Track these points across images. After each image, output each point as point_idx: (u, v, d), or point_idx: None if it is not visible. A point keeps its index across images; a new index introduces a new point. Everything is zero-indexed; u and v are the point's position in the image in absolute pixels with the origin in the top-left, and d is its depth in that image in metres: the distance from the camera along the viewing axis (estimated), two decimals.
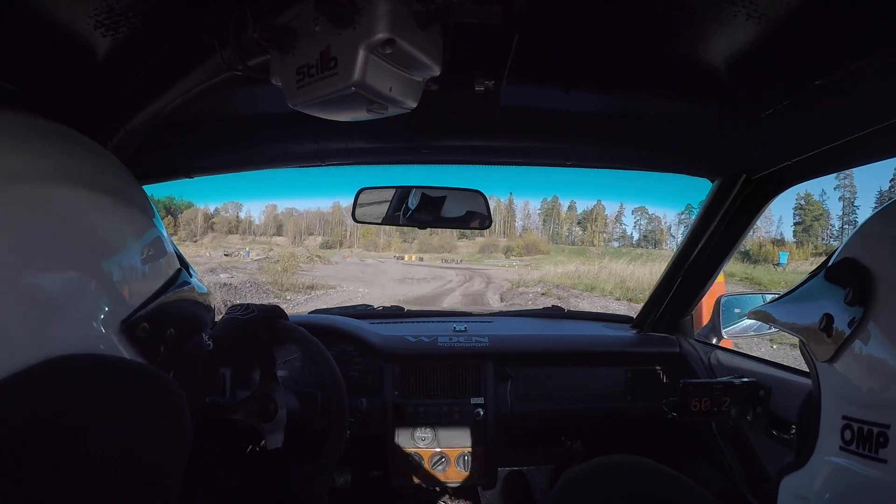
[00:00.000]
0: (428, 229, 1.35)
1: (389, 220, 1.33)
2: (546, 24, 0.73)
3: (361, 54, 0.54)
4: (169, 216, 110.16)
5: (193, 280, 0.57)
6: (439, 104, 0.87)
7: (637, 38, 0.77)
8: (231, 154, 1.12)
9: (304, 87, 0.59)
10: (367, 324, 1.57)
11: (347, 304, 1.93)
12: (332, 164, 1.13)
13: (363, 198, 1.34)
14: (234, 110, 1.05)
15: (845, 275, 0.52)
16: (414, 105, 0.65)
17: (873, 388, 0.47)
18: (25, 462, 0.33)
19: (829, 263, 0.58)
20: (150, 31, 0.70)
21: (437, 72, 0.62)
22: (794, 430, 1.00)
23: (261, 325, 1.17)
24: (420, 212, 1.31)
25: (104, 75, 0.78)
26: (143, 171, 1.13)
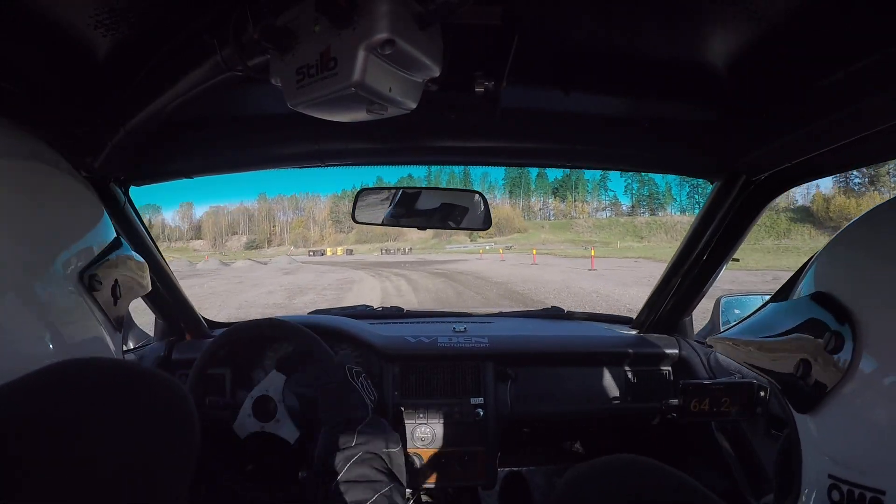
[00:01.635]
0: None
1: (389, 220, 1.33)
2: (546, 26, 0.73)
3: (361, 55, 0.54)
4: None
5: (132, 252, 0.71)
6: (439, 105, 0.87)
7: (637, 39, 0.77)
8: (231, 154, 1.12)
9: (304, 88, 0.59)
10: (366, 324, 1.57)
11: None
12: (331, 165, 1.13)
13: (363, 198, 1.34)
14: (233, 110, 1.05)
15: (822, 314, 0.45)
16: (414, 106, 0.65)
17: (863, 448, 0.42)
18: (36, 464, 0.33)
19: (798, 294, 0.51)
20: (150, 31, 0.70)
21: (436, 72, 0.62)
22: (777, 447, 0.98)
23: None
24: (419, 212, 1.31)
25: (104, 75, 0.78)
26: (143, 171, 1.13)
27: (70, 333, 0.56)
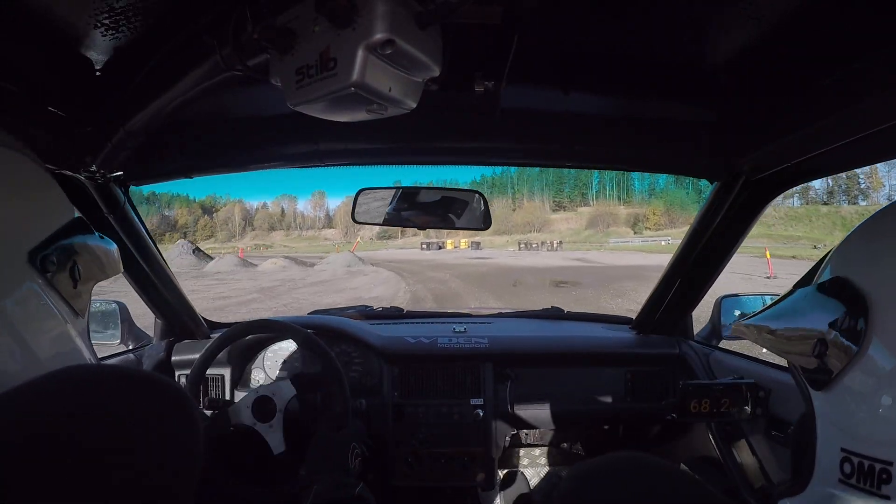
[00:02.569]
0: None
1: (389, 220, 1.33)
2: (546, 26, 0.73)
3: (361, 54, 0.54)
4: (205, 216, 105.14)
5: (99, 237, 0.69)
6: (439, 105, 0.87)
7: (637, 40, 0.77)
8: (231, 154, 1.12)
9: (304, 88, 0.59)
10: (366, 324, 1.57)
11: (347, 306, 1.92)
12: (331, 165, 1.13)
13: (363, 198, 1.34)
14: (233, 110, 1.05)
15: (838, 298, 0.49)
16: (413, 105, 0.65)
17: (872, 423, 0.45)
18: (38, 472, 0.32)
19: (819, 279, 0.54)
20: (150, 31, 0.70)
21: (436, 72, 0.62)
22: (791, 429, 0.99)
23: None
24: (419, 212, 1.31)
25: (104, 75, 0.78)
26: (143, 171, 1.13)
27: (22, 319, 0.54)
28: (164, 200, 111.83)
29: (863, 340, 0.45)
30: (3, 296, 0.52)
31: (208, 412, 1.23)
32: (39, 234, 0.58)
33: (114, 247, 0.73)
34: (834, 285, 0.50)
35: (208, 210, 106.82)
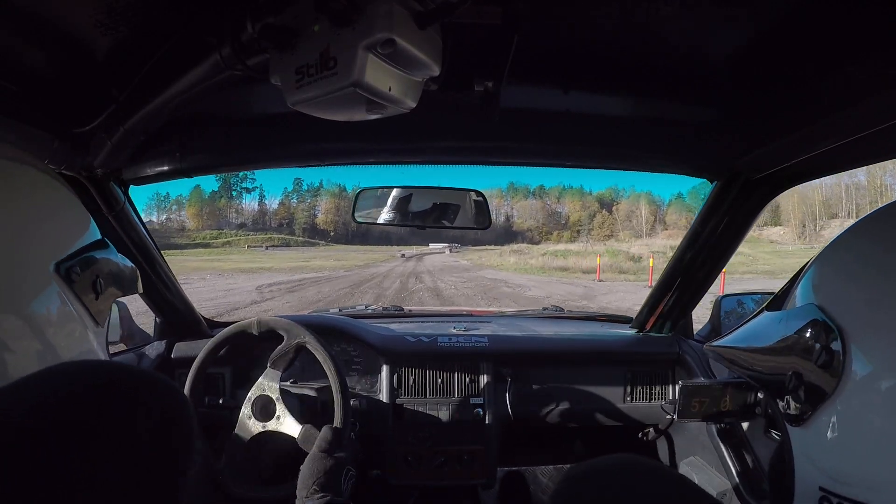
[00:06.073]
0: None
1: (389, 220, 1.33)
2: (546, 25, 0.73)
3: (360, 54, 0.54)
4: (602, 211, 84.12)
5: (119, 255, 0.75)
6: (439, 104, 0.87)
7: (637, 40, 0.77)
8: (231, 154, 1.12)
9: (304, 87, 0.59)
10: (366, 323, 1.57)
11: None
12: (331, 164, 1.13)
13: (363, 198, 1.34)
14: (233, 110, 1.05)
15: (813, 330, 0.46)
16: (413, 105, 0.65)
17: (850, 463, 0.43)
18: (31, 468, 0.32)
19: (791, 304, 0.52)
20: (150, 30, 0.70)
21: (436, 72, 0.62)
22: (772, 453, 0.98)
23: None
24: (419, 212, 1.31)
25: (104, 75, 0.78)
26: (143, 171, 1.13)
27: (47, 325, 0.57)
28: (553, 194, 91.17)
29: (839, 380, 0.43)
30: (30, 301, 0.56)
31: (210, 410, 1.23)
32: (63, 244, 0.62)
33: (132, 266, 0.77)
34: (807, 315, 0.48)
35: (607, 204, 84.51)
